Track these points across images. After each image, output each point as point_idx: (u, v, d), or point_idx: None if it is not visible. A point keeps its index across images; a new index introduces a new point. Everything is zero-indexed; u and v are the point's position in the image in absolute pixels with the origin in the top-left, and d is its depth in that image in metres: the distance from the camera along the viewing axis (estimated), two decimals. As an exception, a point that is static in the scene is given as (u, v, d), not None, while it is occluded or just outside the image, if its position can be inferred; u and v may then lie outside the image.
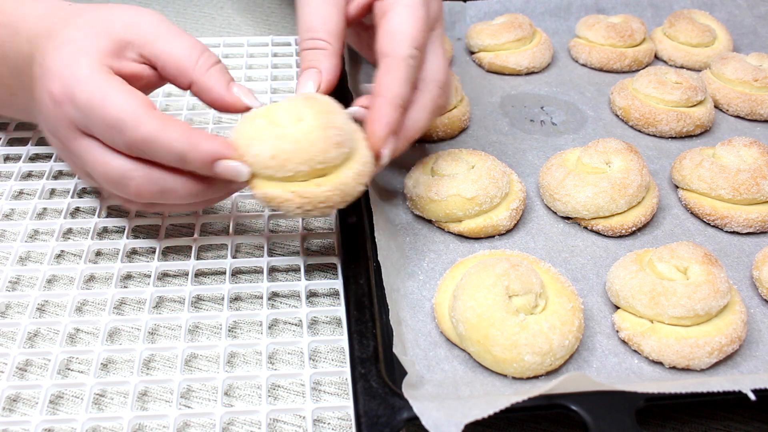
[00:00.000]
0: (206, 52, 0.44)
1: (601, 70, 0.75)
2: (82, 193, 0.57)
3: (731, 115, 0.68)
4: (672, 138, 0.65)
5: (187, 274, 0.50)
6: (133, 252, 0.52)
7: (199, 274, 0.51)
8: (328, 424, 0.42)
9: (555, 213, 0.55)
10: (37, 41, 0.45)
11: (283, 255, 0.52)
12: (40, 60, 0.44)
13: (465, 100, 0.64)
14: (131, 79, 0.43)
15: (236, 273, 0.51)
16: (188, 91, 0.45)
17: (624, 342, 0.45)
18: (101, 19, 0.44)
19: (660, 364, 0.43)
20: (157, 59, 0.44)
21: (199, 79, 0.44)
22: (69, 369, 0.45)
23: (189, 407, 0.43)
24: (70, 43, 0.43)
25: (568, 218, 0.54)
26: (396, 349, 0.40)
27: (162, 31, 0.45)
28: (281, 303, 0.49)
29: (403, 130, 0.46)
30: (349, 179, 0.41)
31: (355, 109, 0.46)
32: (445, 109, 0.57)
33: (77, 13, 0.45)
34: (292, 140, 0.40)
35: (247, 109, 0.44)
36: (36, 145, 0.61)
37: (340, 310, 0.47)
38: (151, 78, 0.45)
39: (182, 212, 0.54)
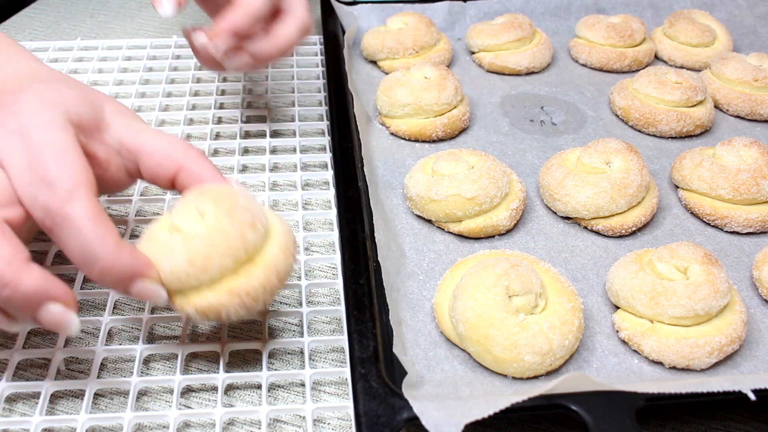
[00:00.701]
0: (192, 145, 0.42)
1: (601, 70, 0.75)
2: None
3: (731, 115, 0.68)
4: (672, 138, 0.65)
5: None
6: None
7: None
8: (328, 424, 0.42)
9: (555, 213, 0.55)
10: (13, 78, 0.42)
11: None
12: (15, 90, 0.39)
13: (465, 100, 0.64)
14: (93, 163, 0.39)
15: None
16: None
17: (624, 342, 0.45)
18: (89, 92, 0.42)
19: (660, 364, 0.43)
20: (141, 148, 0.41)
21: (190, 165, 0.41)
22: (69, 369, 0.45)
23: (189, 407, 0.42)
24: (50, 90, 0.39)
25: (568, 218, 0.54)
26: (396, 349, 0.40)
27: (145, 126, 0.43)
28: (281, 303, 0.49)
29: (273, 37, 0.52)
30: (278, 255, 0.38)
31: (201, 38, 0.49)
32: (310, 30, 0.56)
33: (66, 77, 0.43)
34: (203, 237, 0.36)
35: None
36: None
37: (340, 310, 0.47)
38: (116, 169, 0.42)
39: None
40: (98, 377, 0.43)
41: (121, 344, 0.46)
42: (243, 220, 0.37)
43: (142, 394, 0.43)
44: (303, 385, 0.44)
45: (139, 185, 0.57)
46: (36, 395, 0.42)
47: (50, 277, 0.35)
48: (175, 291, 0.38)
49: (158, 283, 0.37)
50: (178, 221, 0.38)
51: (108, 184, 0.42)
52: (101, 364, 0.44)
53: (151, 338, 0.47)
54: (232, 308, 0.37)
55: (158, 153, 0.41)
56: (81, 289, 0.48)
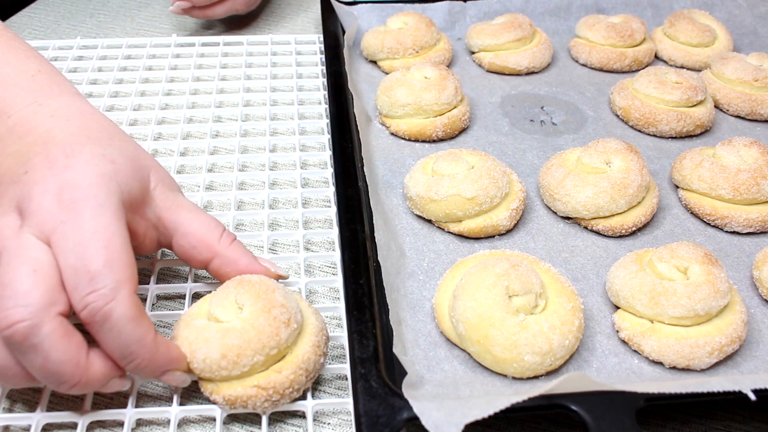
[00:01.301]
0: (226, 230, 0.44)
1: (601, 70, 0.75)
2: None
3: (731, 115, 0.68)
4: (672, 138, 0.65)
5: (187, 274, 0.50)
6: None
7: (199, 273, 0.51)
8: (328, 424, 0.42)
9: (555, 213, 0.55)
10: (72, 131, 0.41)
11: (283, 254, 0.52)
12: (67, 150, 0.39)
13: (465, 100, 0.64)
14: (131, 237, 0.39)
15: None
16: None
17: (624, 342, 0.45)
18: (137, 157, 0.41)
19: (660, 364, 0.43)
20: (177, 227, 0.42)
21: (224, 252, 0.42)
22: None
23: (189, 407, 0.42)
24: (104, 159, 0.39)
25: (568, 218, 0.54)
26: (396, 349, 0.40)
27: (184, 201, 0.43)
28: (281, 303, 0.49)
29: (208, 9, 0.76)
30: (308, 354, 0.40)
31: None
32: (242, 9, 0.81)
33: (113, 130, 0.43)
34: (238, 333, 0.38)
35: (278, 276, 0.44)
36: None
37: (340, 310, 0.47)
38: (150, 241, 0.43)
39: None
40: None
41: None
42: (279, 319, 0.39)
43: (142, 394, 0.43)
44: (303, 384, 0.44)
45: None
46: (36, 395, 0.42)
47: (107, 360, 0.37)
48: (206, 378, 0.39)
49: (186, 372, 0.39)
50: (215, 310, 0.40)
51: (137, 252, 0.41)
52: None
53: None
54: (258, 401, 0.38)
55: (193, 236, 0.42)
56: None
